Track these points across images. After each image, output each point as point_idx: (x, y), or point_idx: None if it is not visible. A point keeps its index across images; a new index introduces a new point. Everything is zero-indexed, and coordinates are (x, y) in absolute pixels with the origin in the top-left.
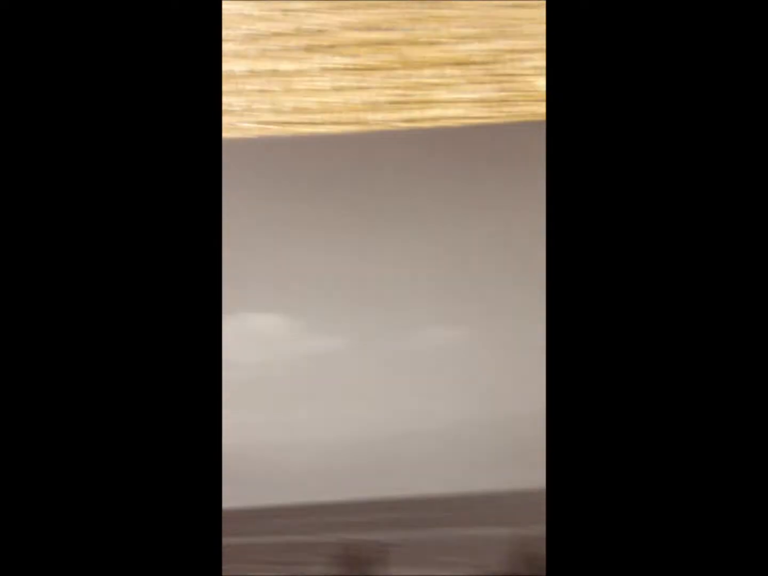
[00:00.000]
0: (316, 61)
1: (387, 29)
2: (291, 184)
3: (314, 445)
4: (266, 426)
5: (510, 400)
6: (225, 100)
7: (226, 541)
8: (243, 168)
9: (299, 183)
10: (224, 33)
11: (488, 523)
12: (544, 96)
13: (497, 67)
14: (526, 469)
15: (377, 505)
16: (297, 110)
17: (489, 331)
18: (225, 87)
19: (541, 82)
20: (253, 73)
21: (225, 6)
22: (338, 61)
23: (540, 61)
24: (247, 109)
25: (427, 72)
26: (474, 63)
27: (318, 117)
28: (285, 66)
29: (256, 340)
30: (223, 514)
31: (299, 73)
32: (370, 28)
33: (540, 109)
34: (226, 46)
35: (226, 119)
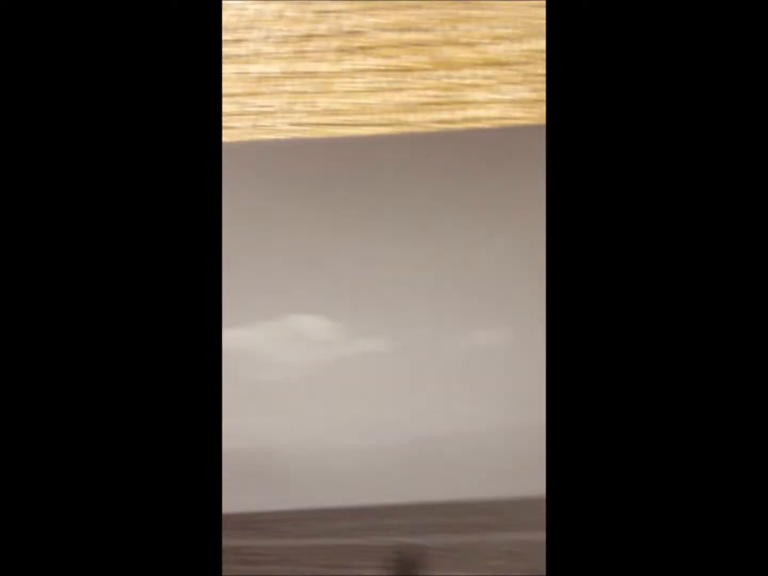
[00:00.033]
0: (352, 62)
1: (422, 30)
2: (332, 185)
3: (359, 447)
4: (311, 428)
5: None
6: (261, 101)
7: (275, 542)
8: (282, 170)
9: (340, 185)
10: (259, 34)
11: (533, 527)
12: None
13: (532, 67)
14: None
15: (422, 508)
16: (332, 112)
17: (530, 334)
18: (261, 88)
19: None
20: (288, 75)
21: (260, 7)
22: (373, 62)
23: None
24: (282, 111)
25: (462, 73)
26: (509, 64)
27: (353, 118)
28: (320, 67)
29: (298, 341)
30: (273, 516)
31: (334, 74)
32: (405, 29)
33: None
34: (260, 47)
35: (262, 121)
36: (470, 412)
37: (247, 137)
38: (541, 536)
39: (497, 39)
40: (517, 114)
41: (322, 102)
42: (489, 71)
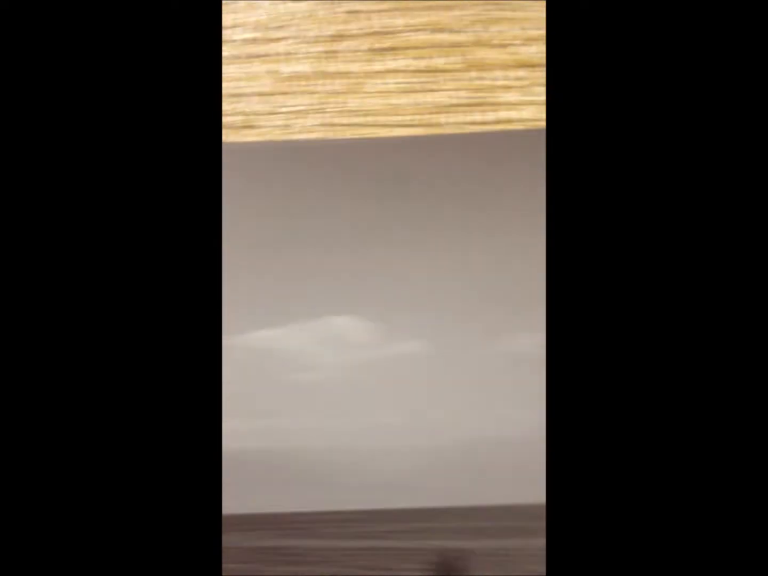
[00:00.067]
0: (383, 62)
1: (454, 31)
2: (369, 186)
3: (396, 449)
4: (348, 429)
5: None
6: (293, 101)
7: (316, 543)
8: (320, 170)
9: (379, 185)
10: (290, 34)
11: None
12: None
13: None
14: None
15: (463, 511)
16: (364, 112)
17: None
18: (292, 88)
19: None
20: (321, 74)
21: (291, 7)
22: (405, 63)
23: None
24: (313, 110)
25: (494, 74)
26: (541, 65)
27: (385, 119)
28: (351, 67)
29: (335, 342)
30: (315, 517)
31: (366, 74)
32: (437, 30)
33: None
34: (292, 47)
35: (294, 120)
36: (508, 415)
37: (278, 137)
38: None
39: (529, 40)
40: None
41: (354, 102)
42: (521, 73)
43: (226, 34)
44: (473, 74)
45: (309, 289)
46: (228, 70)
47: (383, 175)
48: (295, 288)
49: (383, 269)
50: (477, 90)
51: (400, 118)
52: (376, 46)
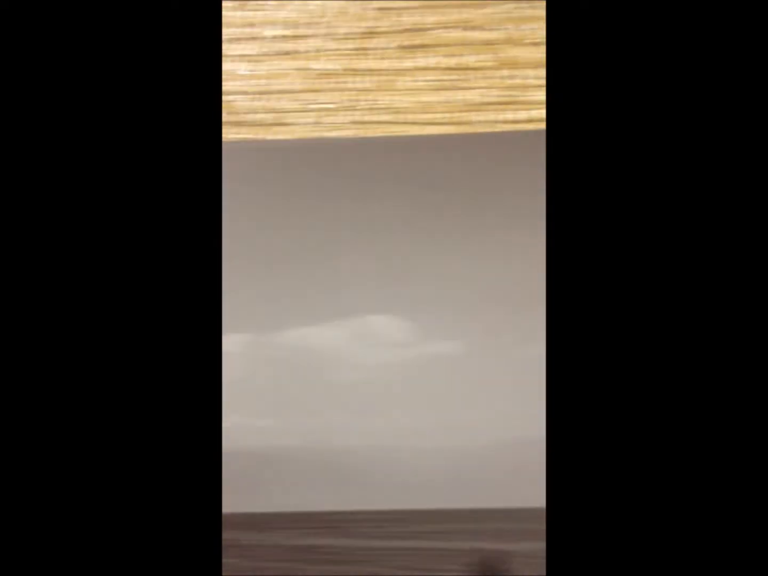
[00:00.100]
0: (414, 60)
1: (486, 29)
2: (404, 184)
3: (433, 449)
4: (387, 428)
5: None
6: (323, 98)
7: (355, 543)
8: (347, 167)
9: (412, 183)
10: (321, 31)
11: None
12: None
13: None
14: None
15: (503, 513)
16: (395, 110)
17: None
18: (323, 85)
19: None
20: (351, 72)
21: (322, 4)
22: (436, 60)
23: None
24: (344, 108)
25: (526, 73)
26: None
27: (416, 117)
28: (382, 65)
29: (373, 342)
30: (355, 517)
31: (397, 72)
32: (469, 28)
33: None
34: (323, 44)
35: (324, 118)
36: (543, 416)
37: (308, 134)
38: None
39: None
40: None
41: (385, 100)
42: None
43: (256, 31)
44: (505, 72)
45: (346, 288)
46: (258, 68)
47: (414, 172)
48: (332, 286)
49: (420, 269)
50: (508, 88)
51: (430, 116)
52: (407, 43)
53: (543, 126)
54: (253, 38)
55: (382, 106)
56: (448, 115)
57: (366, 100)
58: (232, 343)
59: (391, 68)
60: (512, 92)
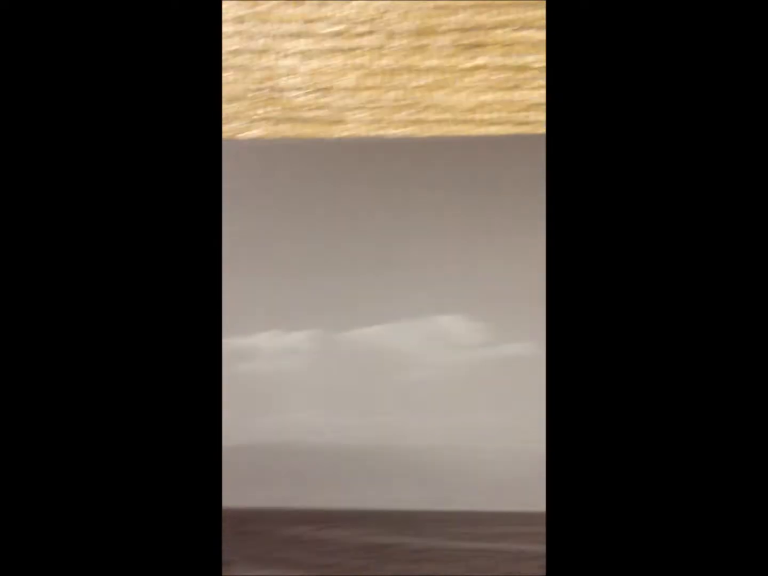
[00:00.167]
0: (473, 59)
1: (541, 28)
2: (480, 184)
3: (504, 450)
4: (454, 429)
5: None
6: (373, 95)
7: (428, 543)
8: (414, 164)
9: (489, 184)
10: (377, 28)
11: None
12: None
13: None
14: None
15: None
16: (449, 108)
17: None
18: (381, 82)
19: None
20: (407, 69)
21: (378, 1)
22: (491, 59)
23: None
24: (402, 106)
25: None
26: None
27: (471, 116)
28: (437, 63)
29: (444, 341)
30: (424, 516)
31: (454, 70)
32: (523, 27)
33: None
34: (378, 41)
35: (376, 115)
36: None
37: (363, 132)
38: None
39: None
40: None
41: (439, 97)
42: None
43: (313, 27)
44: None
45: (416, 288)
46: (315, 64)
47: (484, 172)
48: (402, 286)
49: (491, 269)
50: None
51: (486, 115)
52: (462, 41)
53: None
54: (310, 35)
55: (437, 104)
56: (505, 114)
57: (421, 98)
58: (300, 339)
59: (448, 66)
60: None
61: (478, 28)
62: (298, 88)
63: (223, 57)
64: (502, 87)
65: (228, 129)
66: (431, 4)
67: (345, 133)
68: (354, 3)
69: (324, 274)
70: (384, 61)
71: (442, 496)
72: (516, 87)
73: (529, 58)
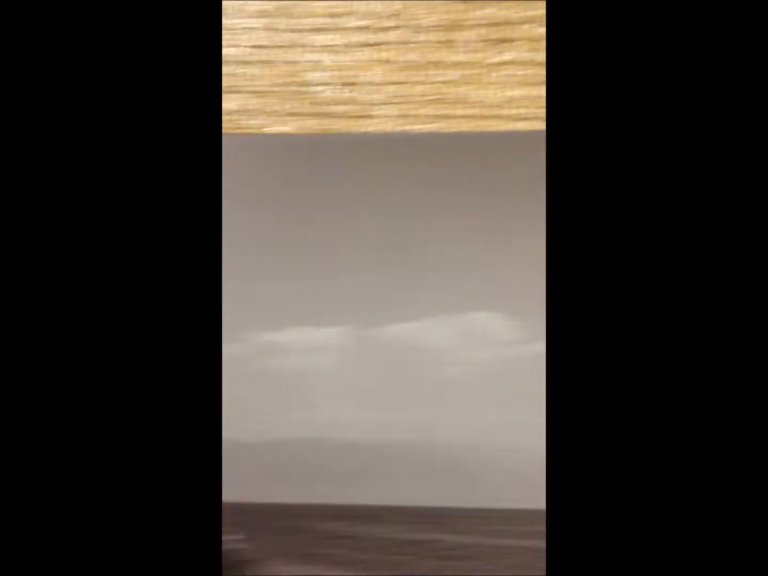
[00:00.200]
0: (501, 54)
1: None
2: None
3: (537, 448)
4: (488, 425)
5: None
6: (400, 90)
7: (466, 540)
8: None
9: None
10: (405, 23)
11: None
12: None
13: None
14: None
15: None
16: (479, 103)
17: None
18: (408, 77)
19: None
20: (434, 65)
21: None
22: (519, 54)
23: None
24: (430, 101)
25: None
26: None
27: (500, 111)
28: (467, 57)
29: (479, 338)
30: (460, 513)
31: (482, 65)
32: None
33: None
34: (407, 36)
35: (405, 110)
36: None
37: (394, 127)
38: None
39: None
40: None
41: (469, 92)
42: None
43: (339, 21)
44: None
45: (451, 284)
46: (342, 59)
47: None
48: (436, 282)
49: (526, 265)
50: None
51: (513, 110)
52: (492, 36)
53: None
54: (337, 29)
55: (467, 99)
56: (532, 110)
57: (450, 93)
58: (333, 336)
59: (476, 61)
60: None
61: (505, 23)
62: (325, 83)
63: (249, 51)
64: (529, 82)
65: (254, 124)
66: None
67: (371, 128)
68: None
69: (357, 270)
70: (410, 56)
71: (476, 493)
72: (544, 82)
73: None
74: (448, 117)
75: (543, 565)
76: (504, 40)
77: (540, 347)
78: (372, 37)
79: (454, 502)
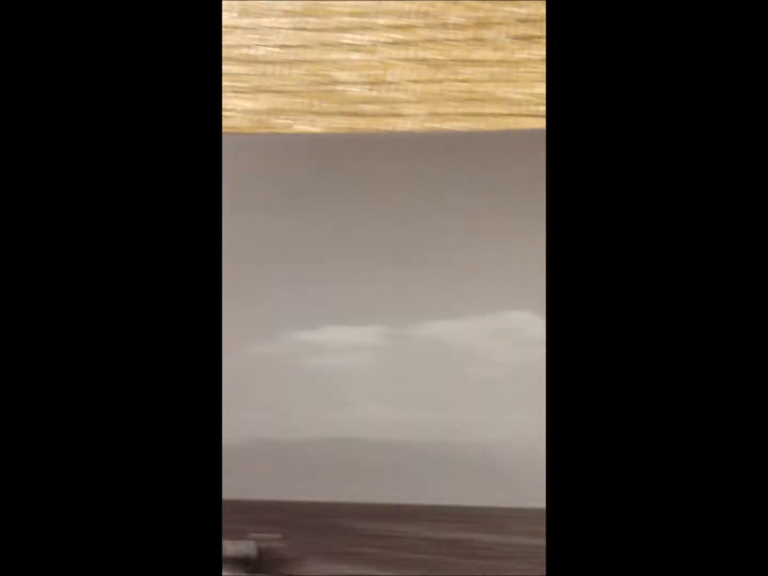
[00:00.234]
0: (528, 51)
1: None
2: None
3: None
4: (520, 425)
5: None
6: (424, 88)
7: (502, 539)
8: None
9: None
10: (433, 21)
11: None
12: None
13: None
14: None
15: None
16: (509, 101)
17: None
18: (437, 75)
19: None
20: (463, 62)
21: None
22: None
23: None
24: (455, 99)
25: None
26: None
27: (529, 109)
28: (496, 56)
29: (511, 338)
30: (495, 513)
31: (510, 63)
32: None
33: None
34: (435, 34)
35: (435, 108)
36: None
37: (422, 125)
38: None
39: None
40: None
41: (499, 91)
42: None
43: (367, 21)
44: None
45: (485, 283)
46: (369, 57)
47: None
48: (471, 281)
49: None
50: None
51: (542, 108)
52: (521, 33)
53: None
54: (364, 27)
55: (498, 97)
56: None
57: (479, 92)
58: (368, 335)
59: (505, 59)
60: None
61: (537, 20)
62: (352, 82)
63: (275, 51)
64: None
65: (283, 123)
66: None
67: (400, 127)
68: None
69: (393, 269)
70: (439, 54)
71: (511, 493)
72: None
73: None
74: (477, 115)
75: None
76: (535, 37)
77: None
78: (400, 36)
79: (489, 501)
